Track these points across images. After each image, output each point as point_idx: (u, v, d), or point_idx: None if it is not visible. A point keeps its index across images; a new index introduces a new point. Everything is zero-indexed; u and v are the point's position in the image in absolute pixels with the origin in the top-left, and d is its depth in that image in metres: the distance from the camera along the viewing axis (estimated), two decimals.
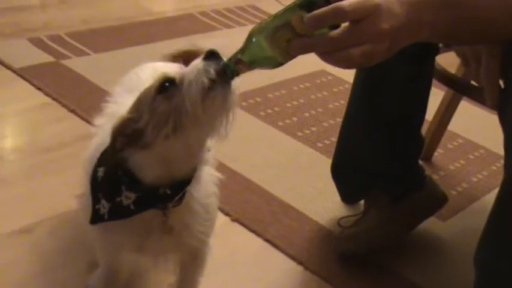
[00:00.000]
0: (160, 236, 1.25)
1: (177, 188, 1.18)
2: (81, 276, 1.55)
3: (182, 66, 1.21)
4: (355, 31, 1.02)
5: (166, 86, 1.10)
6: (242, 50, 1.05)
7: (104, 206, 1.19)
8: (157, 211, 1.20)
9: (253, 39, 1.04)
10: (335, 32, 1.02)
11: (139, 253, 1.36)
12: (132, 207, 1.18)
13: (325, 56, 1.04)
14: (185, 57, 1.61)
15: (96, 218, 1.22)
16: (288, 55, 1.05)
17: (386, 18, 1.03)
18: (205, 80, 1.05)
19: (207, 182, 1.30)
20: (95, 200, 1.21)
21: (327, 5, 1.01)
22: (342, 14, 1.00)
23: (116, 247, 1.37)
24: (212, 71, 1.05)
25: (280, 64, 1.07)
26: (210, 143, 1.20)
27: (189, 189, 1.20)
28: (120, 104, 1.39)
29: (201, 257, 1.43)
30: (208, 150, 1.21)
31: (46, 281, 1.54)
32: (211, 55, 1.06)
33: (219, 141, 1.15)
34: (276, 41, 1.04)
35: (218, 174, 1.35)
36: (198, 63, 1.07)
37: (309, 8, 1.02)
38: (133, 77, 1.51)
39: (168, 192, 1.17)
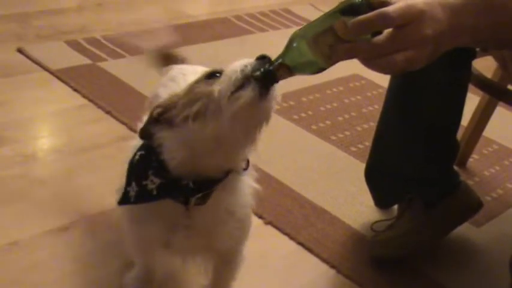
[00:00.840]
0: (186, 234, 1.26)
1: (201, 184, 1.18)
2: (116, 275, 1.57)
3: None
4: (400, 37, 1.02)
5: (213, 75, 1.13)
6: (283, 55, 1.05)
7: (133, 189, 1.22)
8: (181, 206, 1.21)
9: (294, 44, 1.04)
10: (379, 38, 1.02)
11: (167, 249, 1.36)
12: (154, 192, 1.19)
13: (368, 61, 1.04)
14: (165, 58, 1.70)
15: (124, 199, 1.24)
16: (330, 60, 1.04)
17: (430, 23, 1.03)
18: (239, 76, 1.06)
19: (243, 192, 1.30)
20: (128, 183, 1.24)
21: (369, 10, 1.01)
22: (387, 20, 1.00)
23: (144, 240, 1.38)
24: (248, 69, 1.06)
25: (321, 70, 1.06)
26: (246, 154, 1.20)
27: (218, 194, 1.21)
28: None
29: (233, 261, 1.43)
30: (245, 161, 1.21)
31: (81, 280, 1.57)
32: (261, 58, 1.07)
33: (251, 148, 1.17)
34: (318, 46, 1.03)
35: (257, 186, 1.34)
36: (243, 60, 1.09)
37: (351, 12, 1.01)
38: (180, 79, 1.52)
39: (191, 185, 1.17)
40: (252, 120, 1.10)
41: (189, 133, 1.13)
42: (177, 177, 1.18)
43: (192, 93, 1.13)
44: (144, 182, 1.20)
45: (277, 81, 1.07)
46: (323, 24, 1.03)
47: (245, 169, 1.22)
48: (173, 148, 1.17)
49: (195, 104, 1.11)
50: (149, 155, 1.20)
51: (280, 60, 1.05)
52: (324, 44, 1.03)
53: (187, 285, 1.62)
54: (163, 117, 1.17)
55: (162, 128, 1.17)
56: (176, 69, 1.58)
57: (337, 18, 1.02)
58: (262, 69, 1.06)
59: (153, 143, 1.19)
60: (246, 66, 1.07)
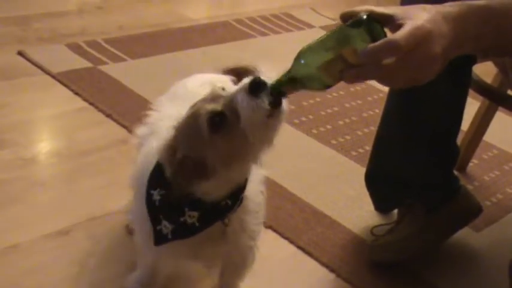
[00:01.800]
0: (217, 243, 1.27)
1: (236, 197, 1.20)
2: (117, 278, 1.57)
3: (233, 78, 1.22)
4: (410, 60, 1.03)
5: (217, 122, 1.08)
6: (290, 72, 1.06)
7: (167, 227, 1.20)
8: (217, 223, 1.22)
9: (302, 61, 1.05)
10: (389, 62, 1.03)
11: (195, 260, 1.38)
12: (197, 224, 1.19)
13: (380, 80, 1.06)
14: (236, 73, 1.63)
15: (160, 239, 1.22)
16: (337, 79, 1.06)
17: (438, 41, 1.04)
18: (265, 118, 1.06)
19: (255, 181, 1.31)
20: (155, 222, 1.22)
21: (377, 25, 1.03)
22: (397, 49, 1.01)
23: (174, 256, 1.37)
24: (267, 106, 1.05)
25: (328, 87, 1.07)
26: None
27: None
28: (162, 113, 1.41)
29: (247, 261, 1.42)
30: None
31: (82, 283, 1.57)
32: (255, 87, 1.05)
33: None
34: (328, 71, 1.04)
35: (264, 172, 1.37)
36: (246, 98, 1.05)
37: (356, 25, 1.03)
38: (181, 87, 1.52)
39: (229, 202, 1.19)
40: (274, 134, 1.13)
41: (231, 174, 1.15)
42: (215, 203, 1.19)
43: (217, 149, 1.11)
44: (182, 219, 1.19)
45: (284, 97, 1.07)
46: (332, 50, 1.04)
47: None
48: (215, 190, 1.17)
49: (230, 154, 1.11)
50: (175, 196, 1.17)
51: (286, 77, 1.05)
52: (334, 69, 1.04)
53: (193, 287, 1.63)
54: (194, 177, 1.13)
55: (198, 183, 1.14)
56: (180, 83, 1.57)
57: (343, 34, 1.03)
58: (272, 95, 1.06)
59: (184, 193, 1.16)
60: (262, 106, 1.05)
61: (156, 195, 1.20)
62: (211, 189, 1.16)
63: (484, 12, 1.11)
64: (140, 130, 1.47)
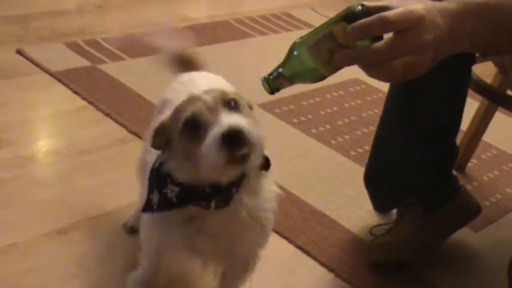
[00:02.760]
0: (210, 239, 1.27)
1: (218, 188, 1.19)
2: (115, 277, 1.57)
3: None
4: (400, 42, 1.01)
5: (194, 125, 1.13)
6: (283, 64, 1.05)
7: (156, 197, 1.24)
8: (205, 211, 1.22)
9: (295, 53, 1.04)
10: (379, 44, 1.01)
11: (191, 254, 1.37)
12: (174, 200, 1.21)
13: (369, 68, 1.03)
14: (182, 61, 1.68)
15: (148, 207, 1.26)
16: (331, 67, 1.04)
17: (430, 29, 1.02)
18: (221, 160, 1.07)
19: (266, 197, 1.30)
20: (150, 190, 1.26)
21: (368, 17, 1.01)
22: (387, 24, 1.00)
23: (168, 244, 1.38)
24: (226, 156, 1.07)
25: (322, 78, 1.06)
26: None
27: (240, 196, 1.22)
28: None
29: (250, 265, 1.43)
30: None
31: (81, 282, 1.57)
32: (231, 138, 1.07)
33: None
34: (318, 51, 1.03)
35: (278, 191, 1.36)
36: (218, 141, 1.07)
37: (351, 20, 1.01)
38: (188, 83, 1.53)
39: (207, 190, 1.19)
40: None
41: (188, 165, 1.17)
42: (191, 185, 1.20)
43: (180, 140, 1.16)
44: (164, 191, 1.22)
45: (278, 91, 1.07)
46: (323, 31, 1.03)
47: (266, 169, 1.26)
48: (178, 170, 1.20)
49: (185, 150, 1.16)
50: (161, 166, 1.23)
51: (280, 70, 1.05)
52: (324, 49, 1.02)
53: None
54: (162, 137, 1.21)
55: (165, 154, 1.22)
56: (185, 75, 1.59)
57: (336, 25, 1.03)
58: (236, 151, 1.07)
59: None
60: (223, 154, 1.07)
61: (157, 164, 1.25)
62: (177, 168, 1.19)
63: (481, 10, 1.10)
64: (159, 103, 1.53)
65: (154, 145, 1.23)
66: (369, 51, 1.01)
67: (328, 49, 1.03)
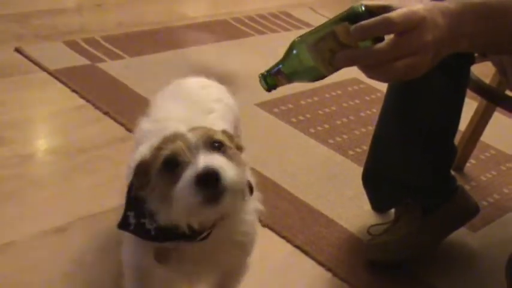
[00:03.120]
0: (192, 263, 1.25)
1: (197, 231, 1.17)
2: (112, 275, 1.56)
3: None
4: (402, 43, 1.01)
5: (172, 164, 1.10)
6: (282, 62, 1.04)
7: (133, 218, 1.21)
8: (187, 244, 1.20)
9: (294, 51, 1.03)
10: (381, 44, 1.01)
11: (175, 275, 1.34)
12: (152, 233, 1.18)
13: (369, 69, 1.03)
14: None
15: (124, 223, 1.22)
16: (331, 67, 1.03)
17: (431, 30, 1.03)
18: (193, 200, 1.05)
19: (247, 221, 1.28)
20: (128, 208, 1.22)
21: (371, 17, 1.01)
22: (390, 25, 1.00)
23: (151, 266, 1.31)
24: (201, 199, 1.04)
25: (322, 77, 1.05)
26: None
27: (221, 226, 1.20)
28: (168, 113, 1.41)
29: (238, 273, 1.42)
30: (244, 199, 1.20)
31: (79, 279, 1.57)
32: (206, 178, 1.04)
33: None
34: (319, 50, 1.02)
35: (261, 208, 1.34)
36: (192, 181, 1.05)
37: (353, 21, 1.00)
38: (178, 88, 1.52)
39: (187, 231, 1.16)
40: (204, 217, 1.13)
41: (164, 206, 1.13)
42: (171, 226, 1.16)
43: (158, 179, 1.12)
44: (142, 220, 1.19)
45: (275, 88, 1.07)
46: (324, 30, 1.02)
47: (250, 194, 1.22)
48: (158, 210, 1.16)
49: (162, 190, 1.12)
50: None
51: (279, 67, 1.04)
52: (325, 48, 1.02)
53: None
54: (143, 176, 1.16)
55: (146, 192, 1.17)
56: (178, 81, 1.58)
57: (339, 24, 1.02)
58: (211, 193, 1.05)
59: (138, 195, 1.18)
60: (197, 194, 1.04)
61: (133, 192, 1.20)
62: (155, 210, 1.15)
63: (481, 10, 1.10)
64: (145, 125, 1.44)
65: (136, 184, 1.17)
66: (371, 52, 1.01)
67: (330, 48, 1.02)
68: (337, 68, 1.04)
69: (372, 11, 1.03)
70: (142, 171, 1.16)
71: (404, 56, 1.02)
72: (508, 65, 1.32)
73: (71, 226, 1.73)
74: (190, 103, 1.43)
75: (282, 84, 1.06)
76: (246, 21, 3.45)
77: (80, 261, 1.62)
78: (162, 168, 1.11)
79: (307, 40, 1.04)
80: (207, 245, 1.21)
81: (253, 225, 1.31)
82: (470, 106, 2.11)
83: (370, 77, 1.05)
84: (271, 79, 1.05)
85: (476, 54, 1.69)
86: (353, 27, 1.00)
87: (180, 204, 1.07)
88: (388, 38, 1.03)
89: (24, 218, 1.73)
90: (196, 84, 1.56)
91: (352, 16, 1.02)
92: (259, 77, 1.06)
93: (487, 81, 2.10)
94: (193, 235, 1.17)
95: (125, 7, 3.35)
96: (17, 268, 1.57)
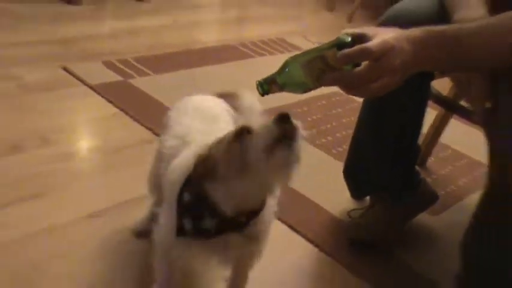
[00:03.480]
0: (233, 249, 1.21)
1: (252, 216, 1.15)
2: (143, 251, 1.54)
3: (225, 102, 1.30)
4: (375, 67, 1.04)
5: (243, 134, 1.05)
6: (277, 74, 1.05)
7: (189, 223, 1.15)
8: (234, 234, 1.17)
9: (287, 68, 1.05)
10: (360, 69, 1.05)
11: (210, 260, 1.29)
12: (213, 231, 1.14)
13: (350, 89, 1.07)
14: (223, 97, 1.55)
15: (181, 231, 1.17)
16: (317, 82, 1.05)
17: (398, 55, 1.05)
18: (269, 140, 1.01)
19: (270, 214, 1.25)
20: (181, 217, 1.17)
21: (354, 45, 1.04)
22: (369, 54, 1.03)
23: (191, 253, 1.26)
24: (276, 132, 1.01)
25: (309, 90, 1.07)
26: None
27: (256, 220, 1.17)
28: (186, 126, 1.35)
29: (257, 256, 1.33)
30: None
31: (113, 256, 1.56)
32: (283, 118, 1.02)
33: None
34: (309, 69, 1.04)
35: (275, 209, 1.28)
36: (269, 122, 1.02)
37: (341, 48, 1.04)
38: (189, 104, 1.45)
39: (244, 220, 1.14)
40: (283, 169, 1.06)
41: (238, 185, 1.08)
42: (232, 217, 1.13)
43: (229, 154, 1.06)
44: (200, 222, 1.14)
45: (268, 94, 1.07)
46: (316, 53, 1.05)
47: None
48: (225, 198, 1.11)
49: (237, 163, 1.05)
50: (200, 200, 1.14)
51: (274, 78, 1.05)
52: (315, 67, 1.05)
53: (211, 279, 1.55)
54: (206, 176, 1.10)
55: (210, 183, 1.10)
56: (185, 99, 1.51)
57: (328, 50, 1.04)
58: (286, 130, 1.02)
59: (202, 191, 1.13)
60: (272, 131, 1.01)
61: (187, 196, 1.15)
62: (221, 197, 1.11)
63: (439, 39, 1.11)
64: (169, 142, 1.34)
65: (198, 173, 1.10)
66: (351, 75, 1.05)
67: (319, 68, 1.04)
68: (322, 85, 1.07)
69: (354, 40, 1.05)
70: (207, 159, 1.09)
71: (378, 78, 1.05)
72: (463, 81, 1.32)
73: (106, 212, 1.71)
74: (201, 117, 1.36)
75: (274, 92, 1.07)
76: (249, 45, 3.44)
77: (114, 240, 1.61)
78: (234, 138, 1.05)
79: (298, 60, 1.05)
80: (253, 228, 1.18)
81: (272, 219, 1.27)
82: (431, 114, 2.10)
83: (350, 94, 1.08)
84: (266, 86, 1.06)
85: (436, 72, 1.68)
86: (340, 53, 1.04)
87: (258, 148, 1.00)
88: (364, 63, 1.06)
89: (67, 206, 1.72)
90: (201, 100, 1.49)
91: (340, 44, 1.05)
92: (257, 84, 1.06)
93: (445, 93, 2.09)
94: (247, 222, 1.14)
95: (151, 33, 3.35)
96: (61, 246, 1.56)
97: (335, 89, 2.92)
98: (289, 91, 1.07)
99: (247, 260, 1.35)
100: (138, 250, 1.56)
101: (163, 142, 1.37)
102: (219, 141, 1.11)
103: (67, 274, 1.46)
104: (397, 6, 1.54)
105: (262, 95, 1.07)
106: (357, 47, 1.04)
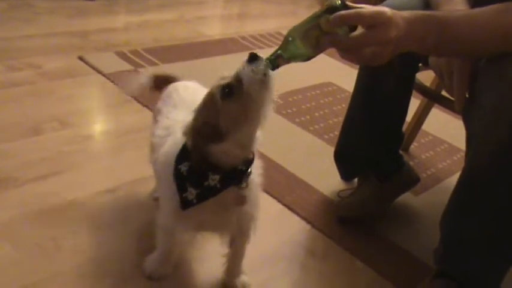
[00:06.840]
0: (230, 211, 1.19)
1: (248, 164, 1.15)
2: (149, 225, 1.55)
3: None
4: (370, 34, 1.01)
5: (227, 92, 1.05)
6: (281, 48, 1.05)
7: (192, 193, 1.14)
8: (234, 188, 1.15)
9: (289, 39, 1.04)
10: (354, 33, 1.01)
11: (212, 228, 1.27)
12: (218, 186, 1.12)
13: (345, 52, 1.03)
14: (157, 80, 1.58)
15: (186, 204, 1.15)
16: (317, 49, 1.04)
17: (394, 28, 1.02)
18: (262, 77, 1.03)
19: (257, 185, 1.25)
20: (182, 190, 1.15)
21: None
22: (361, 18, 1.00)
23: (195, 223, 1.24)
24: (262, 69, 1.03)
25: (310, 58, 1.05)
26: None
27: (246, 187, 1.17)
28: (172, 119, 1.33)
29: (250, 229, 1.30)
30: None
31: (124, 227, 1.57)
32: (253, 58, 1.04)
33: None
34: (307, 37, 1.02)
35: (261, 175, 1.28)
36: (247, 66, 1.04)
37: (332, 13, 1.01)
38: (175, 95, 1.43)
39: (243, 168, 1.14)
40: (270, 95, 1.07)
41: (242, 135, 1.09)
42: (233, 167, 1.13)
43: (229, 113, 1.06)
44: (206, 183, 1.12)
45: (277, 67, 1.06)
46: (311, 22, 1.02)
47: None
48: (230, 152, 1.10)
49: (241, 115, 1.05)
50: (199, 164, 1.12)
51: (279, 52, 1.04)
52: (312, 36, 1.02)
53: (208, 255, 1.52)
54: (210, 140, 1.09)
55: (213, 145, 1.09)
56: (171, 87, 1.50)
57: (322, 17, 1.02)
58: (266, 63, 1.04)
59: (202, 156, 1.11)
60: (259, 70, 1.03)
61: (184, 167, 1.14)
62: (225, 152, 1.10)
63: (428, 19, 1.09)
64: (158, 132, 1.35)
65: (202, 138, 1.08)
66: (346, 38, 1.01)
67: (315, 36, 1.02)
68: (322, 51, 1.04)
69: (347, 6, 1.02)
70: (206, 122, 1.08)
71: (371, 45, 1.02)
72: (445, 72, 1.31)
73: (119, 188, 1.72)
74: (186, 106, 1.31)
75: (282, 65, 1.05)
76: (249, 38, 3.43)
77: (124, 214, 1.62)
78: (221, 96, 1.06)
79: (298, 30, 1.03)
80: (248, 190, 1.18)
81: (259, 186, 1.26)
82: (414, 103, 2.09)
83: (345, 58, 1.04)
84: (274, 61, 1.05)
85: (420, 64, 1.67)
86: (331, 16, 1.00)
87: (251, 82, 1.03)
88: (361, 29, 1.03)
89: (85, 182, 1.73)
90: (183, 85, 1.48)
91: (331, 9, 1.01)
92: (266, 61, 1.05)
93: (428, 84, 2.08)
94: (246, 170, 1.14)
95: (159, 27, 3.33)
96: (79, 219, 1.57)
97: (327, 80, 2.92)
98: (295, 61, 1.06)
99: (244, 231, 1.30)
100: (148, 221, 1.56)
101: (153, 130, 1.38)
102: (206, 108, 1.09)
103: (80, 245, 1.47)
104: (385, 3, 1.54)
105: (273, 69, 1.05)
106: (349, 10, 1.00)
